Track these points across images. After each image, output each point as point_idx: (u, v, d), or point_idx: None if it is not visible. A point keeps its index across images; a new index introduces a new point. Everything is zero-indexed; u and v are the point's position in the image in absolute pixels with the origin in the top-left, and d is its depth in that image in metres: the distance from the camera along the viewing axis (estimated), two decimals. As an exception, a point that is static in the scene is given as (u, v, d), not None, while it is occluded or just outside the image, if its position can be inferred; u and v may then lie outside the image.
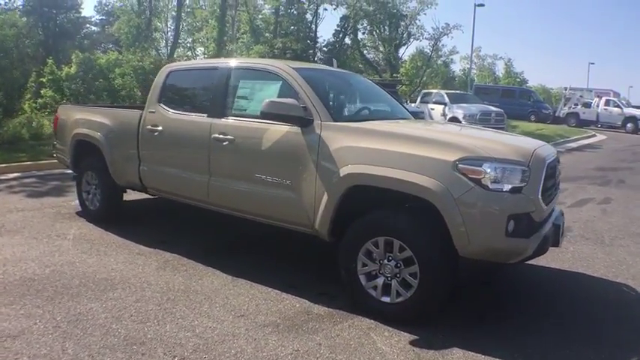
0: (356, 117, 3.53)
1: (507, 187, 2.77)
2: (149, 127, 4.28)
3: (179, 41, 30.14)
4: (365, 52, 39.62)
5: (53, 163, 7.80)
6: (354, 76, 4.61)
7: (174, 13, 31.13)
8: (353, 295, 3.14)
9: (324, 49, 36.52)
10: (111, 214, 4.95)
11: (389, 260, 3.00)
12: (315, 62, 27.35)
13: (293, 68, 3.59)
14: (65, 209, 5.48)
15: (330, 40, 36.78)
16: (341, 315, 3.11)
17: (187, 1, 27.39)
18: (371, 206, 3.10)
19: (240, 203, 3.67)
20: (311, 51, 32.81)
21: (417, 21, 37.62)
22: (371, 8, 33.41)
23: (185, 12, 27.50)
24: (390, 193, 3.00)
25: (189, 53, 33.94)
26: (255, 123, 3.56)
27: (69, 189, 6.55)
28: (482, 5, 26.52)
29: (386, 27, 37.74)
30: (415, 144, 2.95)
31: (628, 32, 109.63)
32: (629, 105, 26.33)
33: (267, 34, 29.53)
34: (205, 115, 3.89)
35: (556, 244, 3.13)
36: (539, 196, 2.90)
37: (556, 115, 25.41)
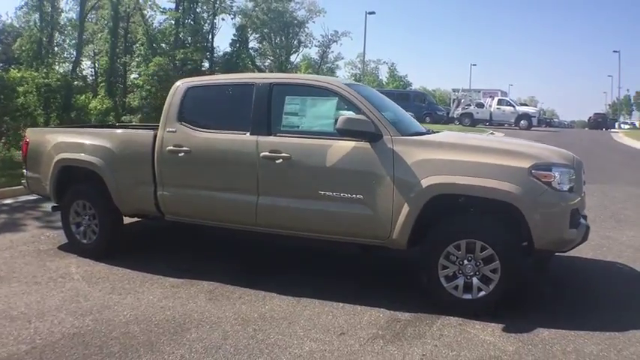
0: (413, 130, 3.53)
1: (566, 187, 3.05)
2: (171, 147, 3.72)
3: (64, 56, 26.60)
4: (257, 60, 38.90)
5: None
6: (372, 89, 4.56)
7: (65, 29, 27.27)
8: (436, 297, 3.15)
9: (218, 60, 35.19)
10: (112, 246, 4.19)
11: (469, 260, 3.06)
12: (216, 72, 26.30)
13: (346, 84, 3.44)
14: (42, 245, 4.52)
15: (227, 50, 35.62)
16: (427, 317, 3.08)
17: (75, 15, 24.19)
18: (441, 214, 3.13)
19: (300, 221, 3.39)
20: (206, 62, 31.35)
21: (306, 29, 38.29)
22: (267, 17, 33.06)
23: (72, 26, 24.25)
24: (461, 200, 3.08)
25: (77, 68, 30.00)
26: (315, 139, 3.34)
27: (24, 221, 5.43)
28: (373, 13, 27.46)
29: (277, 35, 37.68)
30: (489, 154, 3.07)
31: (506, 33, 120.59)
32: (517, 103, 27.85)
33: (163, 45, 27.50)
34: (247, 132, 3.51)
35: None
36: (582, 193, 3.23)
37: (449, 116, 26.26)
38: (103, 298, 3.34)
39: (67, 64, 23.79)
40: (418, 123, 4.22)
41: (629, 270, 4.05)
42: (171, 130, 3.77)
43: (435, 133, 3.91)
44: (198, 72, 23.01)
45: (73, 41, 25.34)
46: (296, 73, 39.75)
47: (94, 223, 4.17)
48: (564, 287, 3.70)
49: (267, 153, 3.40)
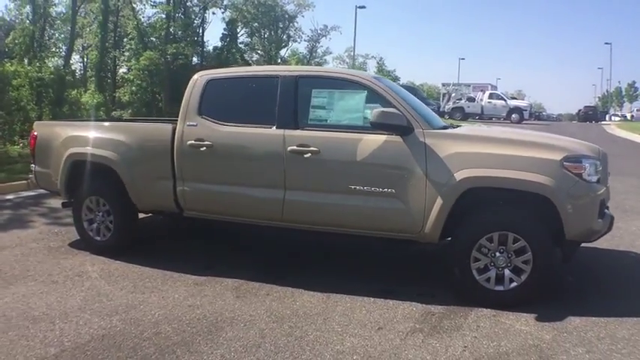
0: (440, 124, 3.45)
1: (594, 178, 3.02)
2: (192, 142, 3.56)
3: (53, 50, 25.79)
4: (246, 55, 38.08)
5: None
6: (395, 84, 4.45)
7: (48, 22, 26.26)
8: (467, 289, 3.09)
9: (208, 55, 34.55)
10: (127, 243, 4.03)
11: (501, 252, 3.01)
12: (205, 67, 25.74)
13: (374, 77, 3.34)
14: (52, 242, 4.34)
15: (218, 44, 35.02)
16: (459, 310, 3.02)
17: (64, 9, 23.39)
18: (473, 207, 3.07)
19: (330, 217, 3.29)
20: (195, 58, 30.73)
21: (295, 23, 37.72)
22: (257, 11, 32.49)
23: (62, 20, 23.51)
24: (493, 192, 3.02)
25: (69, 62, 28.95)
26: (344, 133, 3.23)
27: (29, 217, 5.22)
28: (363, 7, 26.86)
29: (267, 29, 37.06)
30: (520, 147, 3.02)
31: (492, 27, 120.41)
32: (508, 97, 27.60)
33: (153, 39, 26.86)
34: (273, 126, 3.38)
35: None
36: (607, 183, 3.20)
37: (440, 110, 25.52)
38: (126, 297, 3.19)
39: (57, 58, 23.04)
40: (439, 118, 4.15)
41: (645, 259, 4.08)
42: (191, 124, 3.61)
43: (457, 127, 3.84)
44: (188, 67, 22.50)
45: (62, 35, 24.48)
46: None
47: (109, 220, 3.99)
48: (586, 276, 3.69)
49: (294, 147, 3.28)
